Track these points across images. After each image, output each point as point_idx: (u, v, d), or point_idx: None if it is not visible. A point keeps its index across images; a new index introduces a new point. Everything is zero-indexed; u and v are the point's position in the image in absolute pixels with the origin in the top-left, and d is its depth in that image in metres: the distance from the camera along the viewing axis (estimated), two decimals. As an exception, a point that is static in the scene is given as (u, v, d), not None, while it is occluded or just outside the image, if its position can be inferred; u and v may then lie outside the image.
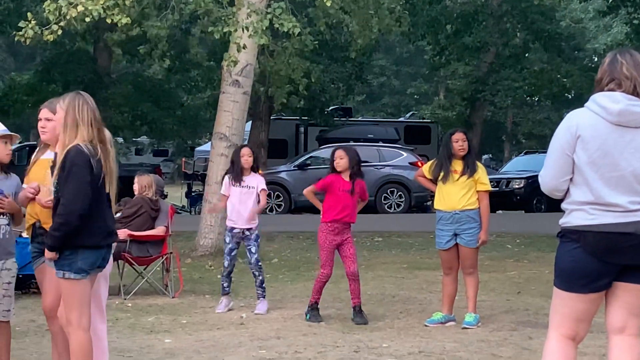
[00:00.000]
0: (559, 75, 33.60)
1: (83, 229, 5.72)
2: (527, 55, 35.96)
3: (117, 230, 6.37)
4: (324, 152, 26.46)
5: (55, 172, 5.81)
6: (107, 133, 5.98)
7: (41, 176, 6.28)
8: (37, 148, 6.59)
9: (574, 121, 4.86)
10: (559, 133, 4.92)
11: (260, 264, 10.24)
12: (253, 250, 10.20)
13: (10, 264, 6.51)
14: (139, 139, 42.57)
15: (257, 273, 10.21)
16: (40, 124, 6.42)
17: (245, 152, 10.32)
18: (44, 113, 6.42)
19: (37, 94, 28.83)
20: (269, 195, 24.84)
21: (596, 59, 41.04)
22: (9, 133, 6.65)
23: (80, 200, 5.66)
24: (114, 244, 6.29)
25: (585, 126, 4.81)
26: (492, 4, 31.33)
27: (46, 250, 5.85)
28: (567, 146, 4.85)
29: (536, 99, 44.96)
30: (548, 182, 4.96)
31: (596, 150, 4.79)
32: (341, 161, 9.49)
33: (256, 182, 10.25)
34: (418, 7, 29.62)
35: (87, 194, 5.67)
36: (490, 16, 30.84)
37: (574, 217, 4.88)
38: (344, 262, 9.55)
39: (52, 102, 6.39)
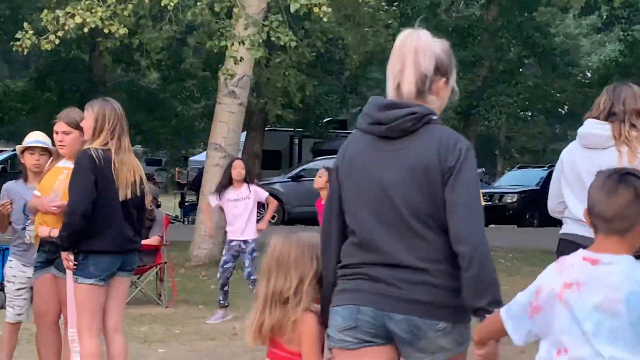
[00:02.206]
0: (552, 91, 33.70)
1: (92, 233, 5.75)
2: (521, 70, 36.05)
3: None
4: (319, 164, 26.52)
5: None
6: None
7: (51, 182, 6.29)
8: (52, 157, 6.59)
9: (565, 149, 5.41)
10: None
11: (253, 277, 10.15)
12: (247, 264, 10.23)
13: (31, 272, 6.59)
14: (132, 147, 42.58)
15: (251, 287, 10.21)
16: (57, 137, 6.34)
17: (237, 164, 10.37)
18: (61, 126, 6.32)
19: (31, 102, 28.88)
20: (262, 207, 24.86)
21: (589, 75, 41.13)
22: (34, 145, 6.70)
23: (83, 201, 5.68)
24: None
25: (567, 152, 5.35)
26: (487, 18, 31.43)
27: (64, 260, 5.87)
28: (558, 171, 5.39)
29: (530, 114, 45.09)
30: (548, 204, 5.49)
31: (570, 171, 5.26)
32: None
33: (250, 192, 10.26)
34: (413, 21, 29.64)
35: (89, 194, 5.69)
36: (485, 31, 30.92)
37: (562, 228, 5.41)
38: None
39: (68, 114, 6.37)
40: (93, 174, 5.70)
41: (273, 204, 10.61)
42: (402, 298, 3.46)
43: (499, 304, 3.37)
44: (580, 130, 5.27)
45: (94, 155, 5.73)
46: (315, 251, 3.78)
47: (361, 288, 3.52)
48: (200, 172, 18.84)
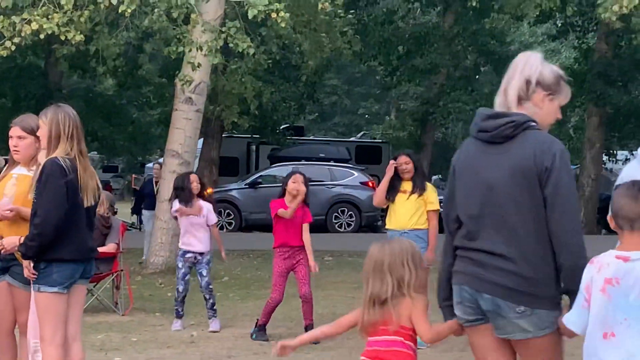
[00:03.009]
0: (508, 98, 33.94)
1: (59, 241, 5.70)
2: (477, 77, 36.28)
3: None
4: (276, 171, 26.51)
5: (33, 184, 5.80)
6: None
7: (2, 189, 6.23)
8: (7, 163, 6.52)
9: (627, 168, 5.47)
10: None
11: (211, 287, 10.25)
12: (204, 273, 10.23)
13: None
14: (89, 154, 42.24)
15: (207, 296, 10.23)
16: (12, 142, 6.30)
17: (194, 178, 10.41)
18: (15, 131, 6.29)
19: (-15, 108, 28.57)
20: (219, 213, 24.90)
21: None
22: None
23: (56, 211, 5.64)
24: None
25: (629, 169, 5.42)
26: (444, 26, 31.61)
27: (25, 268, 5.83)
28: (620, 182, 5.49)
29: (486, 121, 45.38)
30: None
31: (627, 177, 5.25)
32: (301, 188, 9.51)
33: (206, 210, 10.30)
34: (370, 28, 29.82)
35: (62, 205, 5.66)
36: (441, 38, 31.11)
37: None
38: (297, 283, 9.61)
39: (24, 120, 6.32)
40: (64, 184, 5.67)
41: (216, 232, 10.58)
42: (488, 280, 4.11)
43: None
44: None
45: (63, 165, 5.70)
46: (407, 257, 4.49)
47: (464, 270, 4.24)
48: (145, 189, 18.46)
